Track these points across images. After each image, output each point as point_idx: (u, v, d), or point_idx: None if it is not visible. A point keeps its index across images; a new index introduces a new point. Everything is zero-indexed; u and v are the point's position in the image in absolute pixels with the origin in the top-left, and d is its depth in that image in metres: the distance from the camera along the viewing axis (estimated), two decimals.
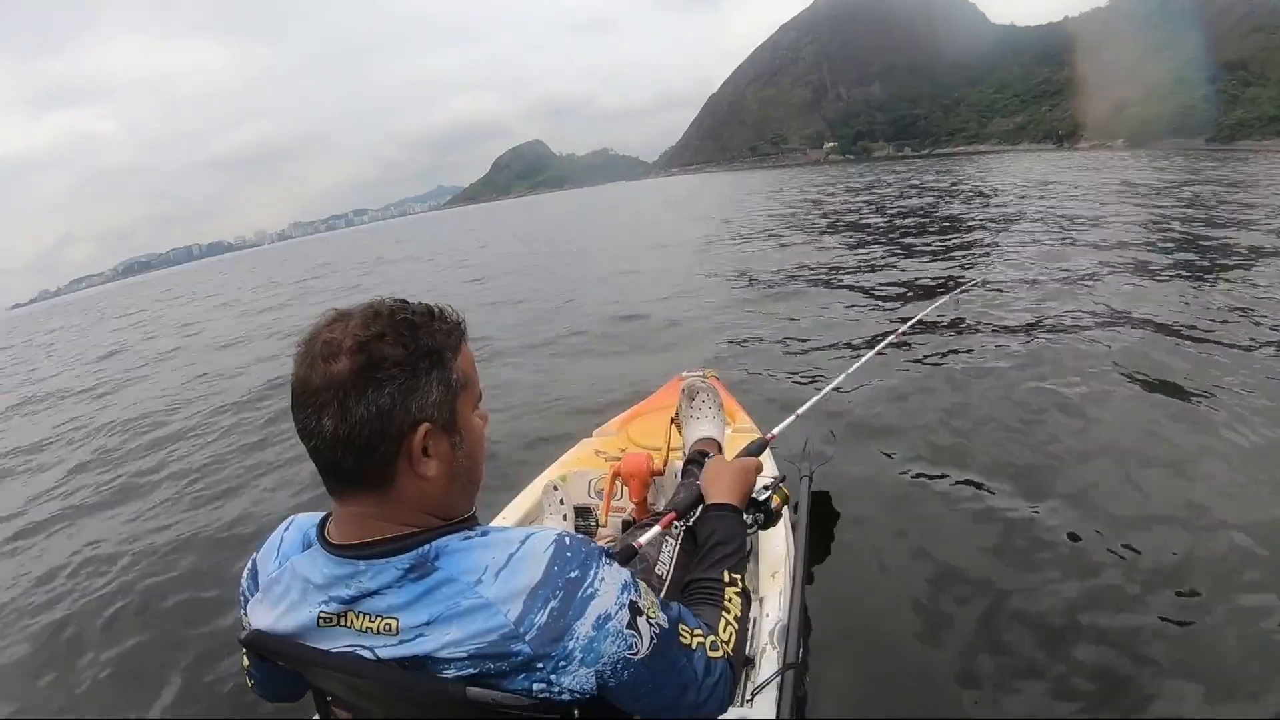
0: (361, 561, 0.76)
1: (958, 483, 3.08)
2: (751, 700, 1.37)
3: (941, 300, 4.37)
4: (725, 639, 0.92)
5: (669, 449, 1.98)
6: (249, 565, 0.92)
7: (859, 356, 2.62)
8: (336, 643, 0.77)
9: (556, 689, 0.72)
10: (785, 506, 1.39)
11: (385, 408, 0.73)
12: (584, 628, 0.72)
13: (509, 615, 0.71)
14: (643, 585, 0.82)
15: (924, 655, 2.12)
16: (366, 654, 0.75)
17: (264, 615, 0.83)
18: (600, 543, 0.85)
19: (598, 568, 0.77)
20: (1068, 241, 9.69)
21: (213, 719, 2.34)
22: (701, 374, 2.13)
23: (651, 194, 62.72)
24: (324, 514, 0.85)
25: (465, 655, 0.71)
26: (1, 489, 5.54)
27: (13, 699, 2.66)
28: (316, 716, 0.93)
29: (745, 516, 1.25)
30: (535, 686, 0.71)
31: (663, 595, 1.15)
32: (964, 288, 5.85)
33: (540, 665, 0.71)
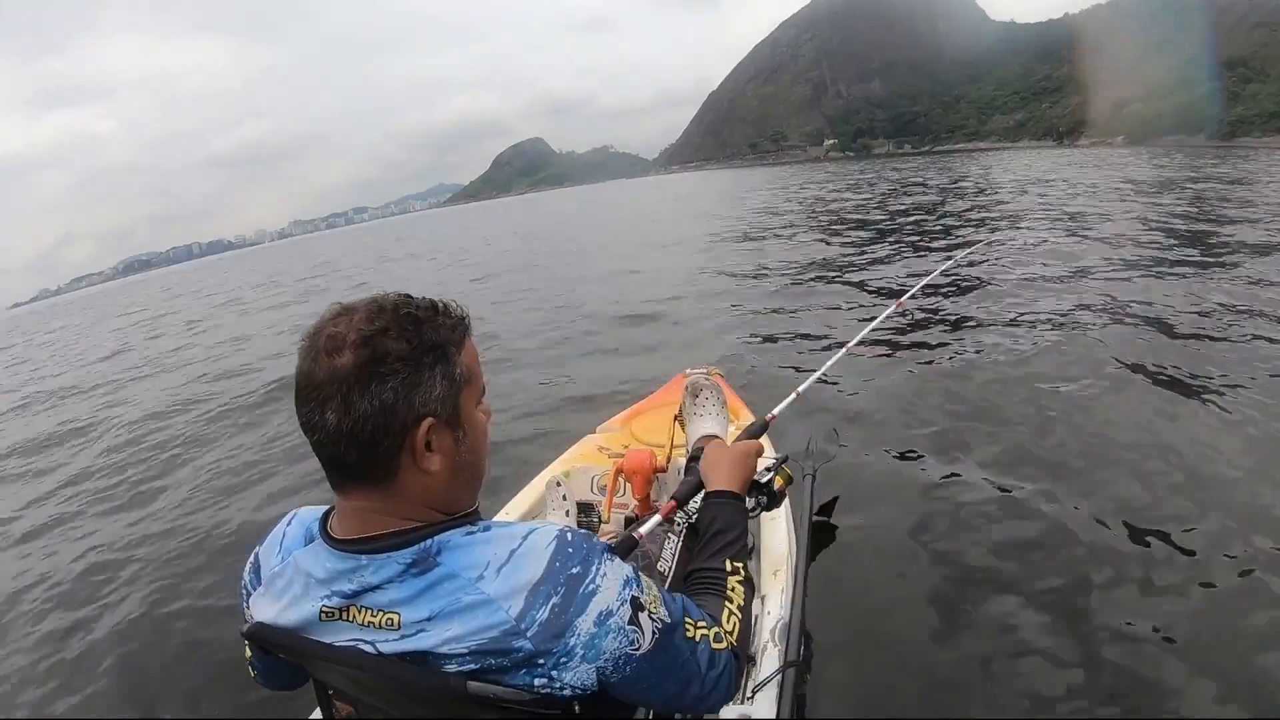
0: (364, 556, 0.76)
1: (962, 480, 3.08)
2: (752, 698, 1.36)
3: (946, 264, 4.29)
4: (729, 629, 0.92)
5: (672, 446, 1.98)
6: (251, 559, 0.92)
7: (862, 344, 2.59)
8: (338, 637, 0.77)
9: (558, 684, 0.72)
10: (788, 486, 1.37)
11: (389, 402, 0.73)
12: (585, 624, 0.72)
13: (510, 611, 0.71)
14: (645, 580, 0.82)
15: (926, 654, 2.12)
16: (368, 648, 0.75)
17: (266, 609, 0.83)
18: (603, 539, 0.84)
19: (599, 564, 0.76)
20: (1069, 238, 9.68)
21: (214, 719, 2.35)
22: (705, 371, 2.12)
23: (652, 192, 62.67)
24: (327, 508, 0.85)
25: (467, 651, 0.71)
26: (4, 489, 5.53)
27: (15, 699, 2.66)
28: (317, 716, 0.93)
29: (748, 499, 1.23)
30: (537, 682, 0.71)
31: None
32: (972, 249, 5.79)
33: (542, 661, 0.71)
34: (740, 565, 1.04)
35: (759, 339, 5.99)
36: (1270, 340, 4.57)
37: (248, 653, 0.94)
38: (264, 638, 0.83)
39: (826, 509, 2.81)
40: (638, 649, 0.75)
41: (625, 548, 1.17)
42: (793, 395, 1.85)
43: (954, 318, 5.86)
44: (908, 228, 12.71)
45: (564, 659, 0.71)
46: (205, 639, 2.73)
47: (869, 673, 2.07)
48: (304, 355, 0.75)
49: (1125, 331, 5.05)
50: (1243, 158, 31.14)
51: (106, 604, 3.20)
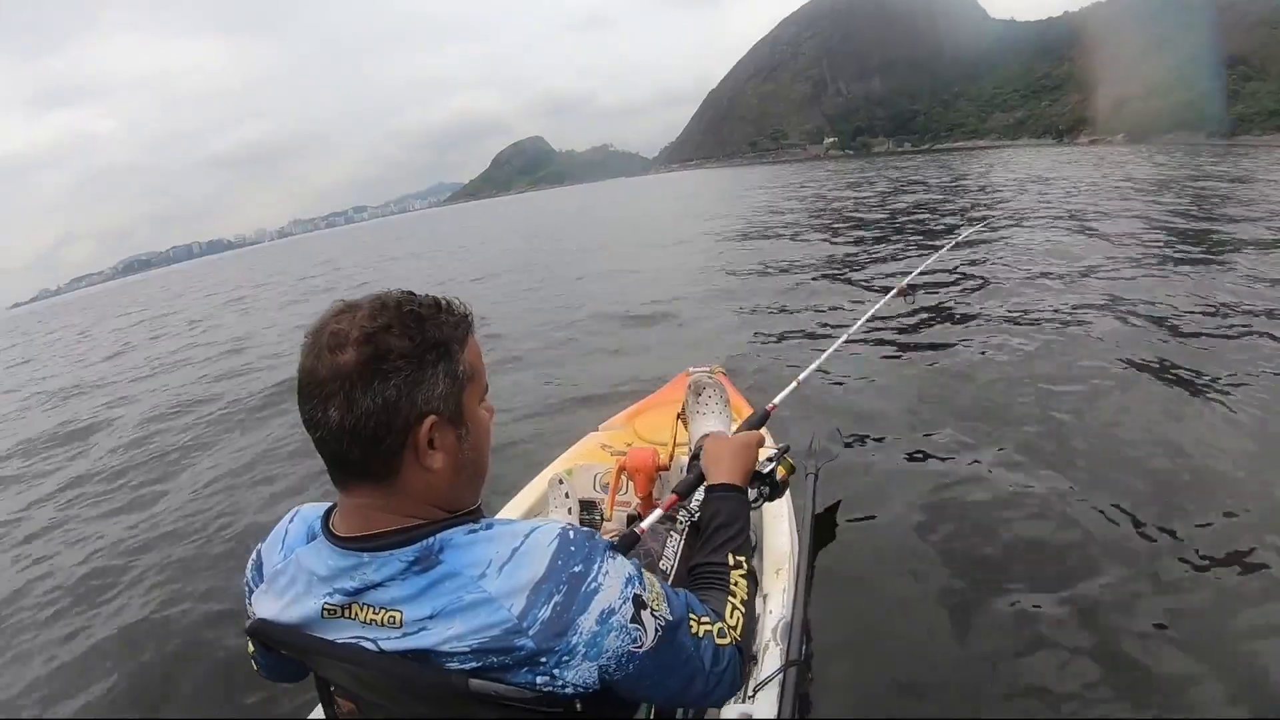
0: (366, 554, 0.75)
1: (965, 478, 3.07)
2: (754, 697, 1.36)
3: (946, 248, 4.26)
4: (732, 624, 0.91)
5: (675, 444, 1.97)
6: (253, 556, 0.91)
7: (864, 340, 2.58)
8: (340, 634, 0.77)
9: (559, 683, 0.72)
10: (791, 477, 1.35)
11: (391, 399, 0.73)
12: (587, 623, 0.72)
13: (512, 610, 0.71)
14: (648, 577, 0.81)
15: (929, 653, 2.11)
16: (370, 646, 0.75)
17: (269, 606, 0.83)
18: (605, 537, 0.84)
19: (602, 561, 0.76)
20: (1070, 235, 9.68)
21: (216, 719, 2.35)
22: (708, 370, 2.11)
23: (652, 190, 62.60)
24: (329, 505, 0.85)
25: (468, 649, 0.71)
26: (6, 490, 5.53)
27: (18, 699, 2.66)
28: (319, 717, 0.92)
29: (750, 490, 1.23)
30: (538, 680, 0.71)
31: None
32: (974, 228, 5.79)
33: (543, 660, 0.71)
34: (743, 559, 1.03)
35: (761, 337, 5.99)
36: (1274, 338, 4.56)
37: (250, 647, 0.94)
38: (266, 634, 0.83)
39: (829, 508, 2.81)
40: (640, 647, 0.75)
41: (627, 543, 1.16)
42: (793, 384, 1.83)
43: (957, 316, 5.86)
44: (909, 226, 12.71)
45: (566, 657, 0.71)
46: (209, 638, 2.73)
47: (871, 672, 2.06)
48: (307, 352, 0.75)
49: (1129, 329, 5.05)
50: (1243, 155, 31.11)
51: (110, 604, 3.20)
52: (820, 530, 2.60)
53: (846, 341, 2.18)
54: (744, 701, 1.33)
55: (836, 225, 14.12)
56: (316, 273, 24.55)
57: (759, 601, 1.69)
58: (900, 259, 9.06)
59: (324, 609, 0.77)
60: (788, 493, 1.97)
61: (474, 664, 0.71)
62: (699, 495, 1.24)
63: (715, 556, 1.03)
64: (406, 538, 0.75)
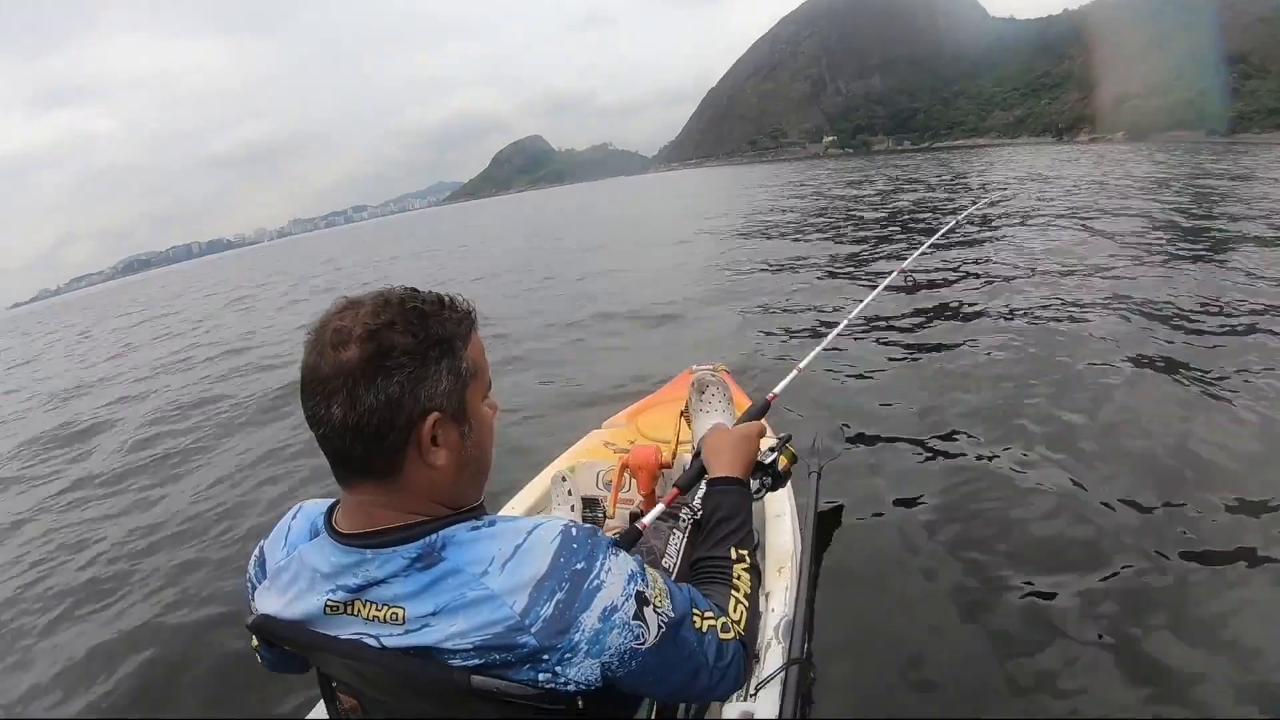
0: (369, 550, 0.75)
1: (969, 476, 3.06)
2: (755, 694, 1.36)
3: (946, 229, 4.24)
4: (736, 618, 0.91)
5: (678, 442, 1.97)
6: (256, 553, 0.91)
7: (868, 336, 2.57)
8: (343, 630, 0.77)
9: (562, 680, 0.71)
10: (793, 466, 1.35)
11: (394, 396, 0.72)
12: (590, 620, 0.72)
13: (515, 607, 0.70)
14: (651, 573, 0.81)
15: (932, 652, 2.10)
16: (372, 642, 0.75)
17: (271, 603, 0.83)
18: (608, 534, 0.84)
19: (604, 559, 0.76)
20: (1071, 232, 9.68)
21: (222, 719, 2.35)
22: (712, 368, 2.11)
23: (652, 189, 62.56)
24: (332, 501, 0.84)
25: (471, 646, 0.71)
26: (9, 491, 5.53)
27: (24, 699, 2.67)
28: (320, 717, 0.92)
29: (753, 481, 1.22)
30: (541, 677, 0.71)
31: None
32: (973, 207, 5.79)
33: (546, 657, 0.71)
34: (745, 552, 1.03)
35: (764, 335, 5.99)
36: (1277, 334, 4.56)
37: (253, 642, 0.94)
38: (268, 630, 0.83)
39: (832, 506, 2.80)
40: (643, 643, 0.75)
41: (629, 539, 1.16)
42: (794, 372, 1.80)
43: (960, 314, 5.86)
44: (911, 223, 12.71)
45: (568, 655, 0.71)
46: (212, 639, 2.74)
47: (873, 670, 2.06)
48: (310, 349, 0.75)
49: (1132, 325, 5.05)
50: (1243, 153, 31.11)
51: (112, 605, 3.20)
52: (823, 528, 2.59)
53: (846, 335, 2.17)
54: (746, 700, 1.33)
55: (837, 224, 14.12)
56: (317, 272, 24.56)
57: (761, 599, 1.69)
58: (903, 258, 9.05)
59: (327, 605, 0.77)
60: (790, 491, 1.98)
61: (476, 661, 0.71)
62: (702, 489, 1.24)
63: (717, 551, 1.03)
64: (409, 534, 0.75)
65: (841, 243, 11.06)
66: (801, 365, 1.82)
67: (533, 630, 0.70)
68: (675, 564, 1.44)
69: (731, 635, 0.88)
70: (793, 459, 1.35)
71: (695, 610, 0.84)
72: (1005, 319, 5.54)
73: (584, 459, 2.31)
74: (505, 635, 0.70)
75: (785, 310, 6.77)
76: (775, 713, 1.33)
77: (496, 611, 0.71)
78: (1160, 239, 8.63)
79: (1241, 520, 2.56)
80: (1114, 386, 3.91)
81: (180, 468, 5.07)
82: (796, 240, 12.12)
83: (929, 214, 14.20)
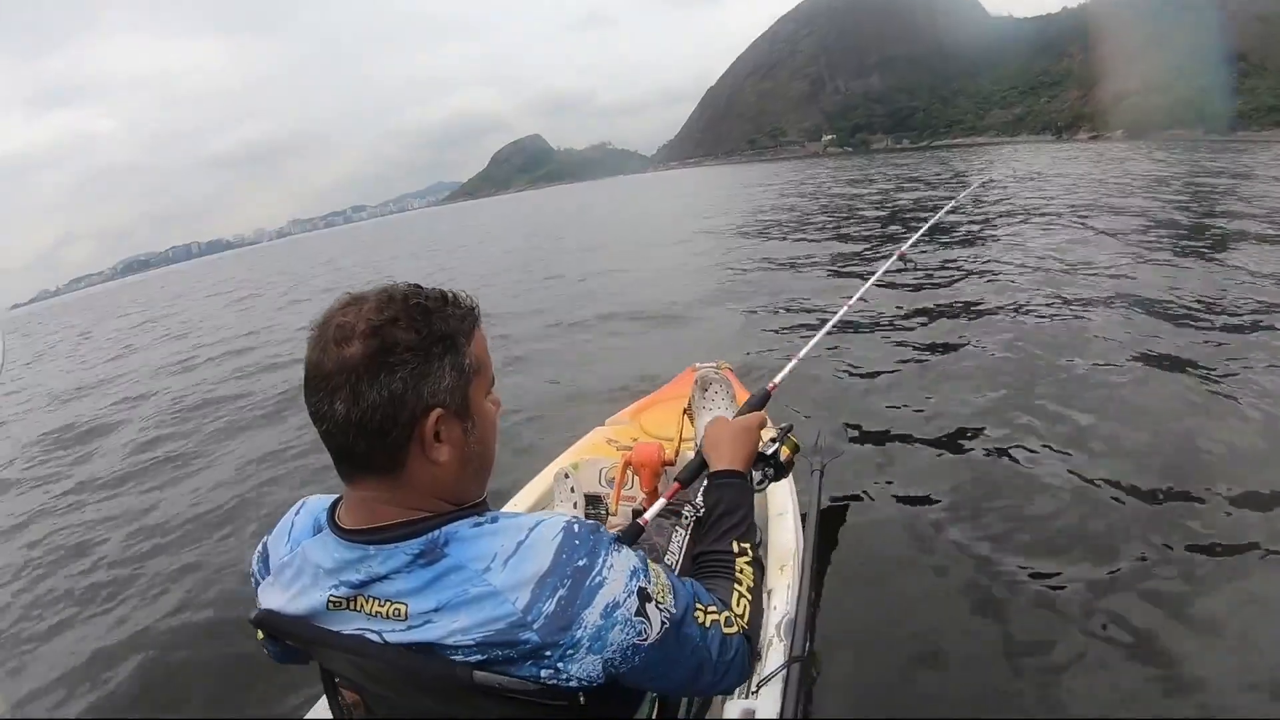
0: (372, 546, 0.75)
1: (973, 475, 3.05)
2: (757, 692, 1.35)
3: (945, 210, 4.23)
4: (739, 612, 0.91)
5: (681, 439, 1.97)
6: (259, 549, 0.92)
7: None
8: (346, 626, 0.77)
9: (564, 676, 0.71)
10: (796, 456, 1.33)
11: (398, 392, 0.72)
12: (592, 616, 0.72)
13: (517, 604, 0.70)
14: (654, 567, 0.81)
15: (935, 651, 2.09)
16: (375, 638, 0.75)
17: (275, 598, 0.83)
18: (610, 531, 0.84)
19: (606, 555, 0.76)
20: (1073, 230, 9.69)
21: (218, 718, 2.35)
22: (715, 365, 2.11)
23: (651, 188, 62.52)
24: (335, 497, 0.84)
25: (473, 643, 0.71)
26: (12, 492, 5.53)
27: (30, 699, 2.66)
28: (321, 716, 0.92)
29: (755, 472, 1.21)
30: (543, 673, 0.71)
31: None
32: (971, 189, 5.79)
33: (548, 653, 0.71)
34: (748, 546, 1.03)
35: (767, 333, 6.00)
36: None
37: (260, 634, 0.95)
38: (271, 625, 0.83)
39: (835, 504, 2.80)
40: (645, 639, 0.75)
41: (631, 534, 1.16)
42: (794, 361, 1.79)
43: (961, 312, 5.85)
44: (913, 221, 12.70)
45: (570, 651, 0.71)
46: (217, 638, 2.73)
47: (876, 669, 2.05)
48: (313, 345, 0.75)
49: (1137, 321, 5.05)
50: (1242, 150, 31.13)
51: (115, 606, 3.20)
52: (825, 526, 2.59)
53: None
54: (747, 698, 1.33)
55: (838, 222, 14.12)
56: (317, 272, 24.53)
57: (763, 597, 1.68)
58: (904, 254, 9.03)
59: (329, 601, 0.77)
60: (793, 489, 1.97)
61: (479, 657, 0.71)
62: (702, 481, 1.23)
63: (719, 545, 1.03)
64: (412, 530, 0.75)
65: (842, 241, 11.06)
66: (801, 354, 1.81)
67: (535, 627, 0.70)
68: (678, 561, 1.44)
69: (735, 630, 0.88)
70: (795, 449, 1.33)
71: (698, 605, 0.85)
72: (1007, 316, 5.54)
73: (587, 456, 2.30)
74: (507, 632, 0.70)
75: (787, 309, 6.76)
76: (777, 711, 1.33)
77: (499, 608, 0.71)
78: (1161, 236, 8.63)
79: (1248, 515, 2.54)
80: (1118, 384, 3.90)
81: (182, 469, 5.06)
82: (797, 239, 12.11)
83: (930, 213, 14.17)
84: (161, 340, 13.76)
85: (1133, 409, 3.56)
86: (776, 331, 5.97)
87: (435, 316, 0.77)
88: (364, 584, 0.75)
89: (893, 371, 4.50)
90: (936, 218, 3.59)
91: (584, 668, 0.72)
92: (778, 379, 1.65)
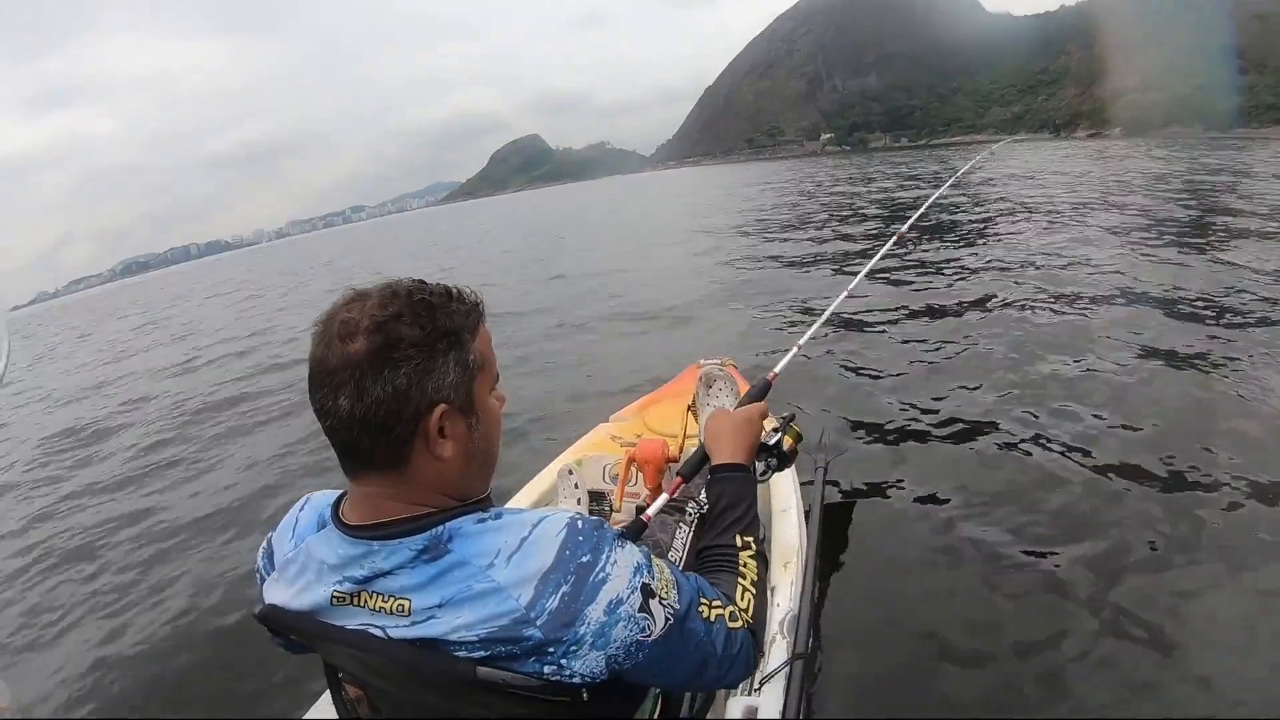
0: (376, 542, 0.75)
1: (978, 472, 3.05)
2: (760, 689, 1.35)
3: (944, 188, 4.18)
4: (743, 607, 0.91)
5: (685, 436, 1.96)
6: (264, 545, 0.92)
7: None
8: (349, 621, 0.77)
9: (567, 672, 0.71)
10: (800, 445, 1.32)
11: (402, 388, 0.72)
12: (595, 613, 0.72)
13: (520, 600, 0.70)
14: (658, 563, 0.81)
15: (938, 649, 2.08)
16: (378, 633, 0.75)
17: (279, 593, 0.83)
18: (614, 527, 0.83)
19: (610, 551, 0.76)
20: (1073, 226, 9.70)
21: (218, 718, 2.35)
22: (719, 362, 2.10)
23: (650, 188, 62.43)
24: (339, 493, 0.84)
25: (476, 638, 0.71)
26: (14, 492, 5.53)
27: (37, 699, 2.66)
28: (322, 716, 0.91)
29: (757, 464, 1.21)
30: (546, 669, 0.71)
31: None
32: (970, 164, 5.78)
33: (551, 650, 0.71)
34: (751, 539, 1.02)
35: (771, 328, 6.01)
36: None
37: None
38: (276, 620, 0.83)
39: (839, 501, 2.79)
40: (649, 635, 0.75)
41: (634, 531, 1.16)
42: (794, 350, 1.78)
43: (964, 308, 5.84)
44: (912, 218, 12.66)
45: (573, 647, 0.71)
46: (219, 637, 2.74)
47: (879, 666, 2.05)
48: (318, 341, 0.75)
49: (1142, 317, 5.05)
50: (1241, 148, 31.12)
51: (119, 606, 3.20)
52: (829, 523, 2.58)
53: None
54: (750, 695, 1.32)
55: (838, 220, 14.10)
56: (317, 273, 24.52)
57: (766, 594, 1.67)
58: (907, 255, 9.03)
59: (333, 596, 0.77)
60: (797, 485, 1.97)
61: (482, 653, 0.71)
62: (705, 474, 1.23)
63: (722, 539, 1.02)
64: (416, 526, 0.75)
65: (843, 240, 11.06)
66: (801, 341, 1.81)
67: (538, 623, 0.70)
68: (682, 558, 1.44)
69: (740, 624, 0.88)
70: (798, 438, 1.32)
71: (702, 599, 0.84)
72: (1009, 313, 5.53)
73: (591, 452, 2.30)
74: (511, 628, 0.70)
75: (789, 306, 6.77)
76: (780, 708, 1.32)
77: (502, 604, 0.71)
78: (1163, 233, 8.62)
79: (1257, 509, 2.53)
80: (1125, 382, 3.88)
81: (184, 471, 5.06)
82: (797, 238, 12.09)
83: (930, 210, 14.12)
84: (162, 343, 13.75)
85: (1137, 404, 3.55)
86: (779, 329, 5.98)
87: (440, 312, 0.77)
88: (368, 579, 0.75)
89: (896, 368, 4.50)
90: (936, 194, 3.58)
91: (587, 664, 0.72)
92: (778, 368, 1.64)
